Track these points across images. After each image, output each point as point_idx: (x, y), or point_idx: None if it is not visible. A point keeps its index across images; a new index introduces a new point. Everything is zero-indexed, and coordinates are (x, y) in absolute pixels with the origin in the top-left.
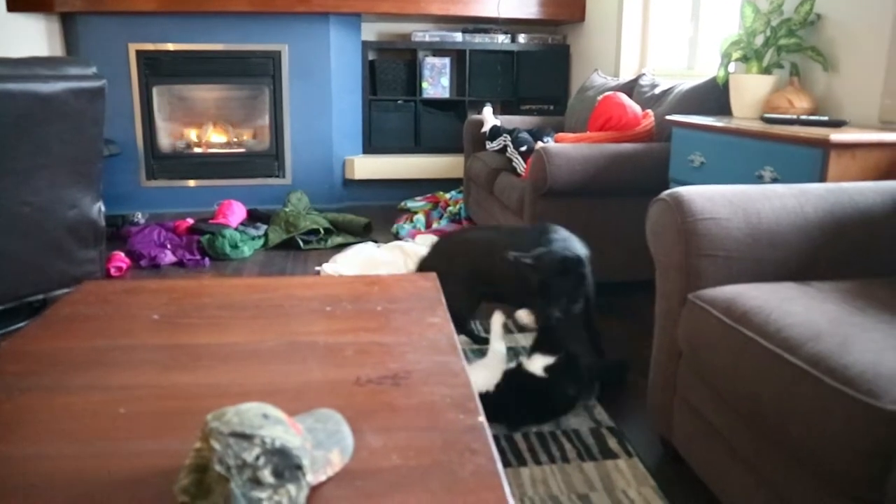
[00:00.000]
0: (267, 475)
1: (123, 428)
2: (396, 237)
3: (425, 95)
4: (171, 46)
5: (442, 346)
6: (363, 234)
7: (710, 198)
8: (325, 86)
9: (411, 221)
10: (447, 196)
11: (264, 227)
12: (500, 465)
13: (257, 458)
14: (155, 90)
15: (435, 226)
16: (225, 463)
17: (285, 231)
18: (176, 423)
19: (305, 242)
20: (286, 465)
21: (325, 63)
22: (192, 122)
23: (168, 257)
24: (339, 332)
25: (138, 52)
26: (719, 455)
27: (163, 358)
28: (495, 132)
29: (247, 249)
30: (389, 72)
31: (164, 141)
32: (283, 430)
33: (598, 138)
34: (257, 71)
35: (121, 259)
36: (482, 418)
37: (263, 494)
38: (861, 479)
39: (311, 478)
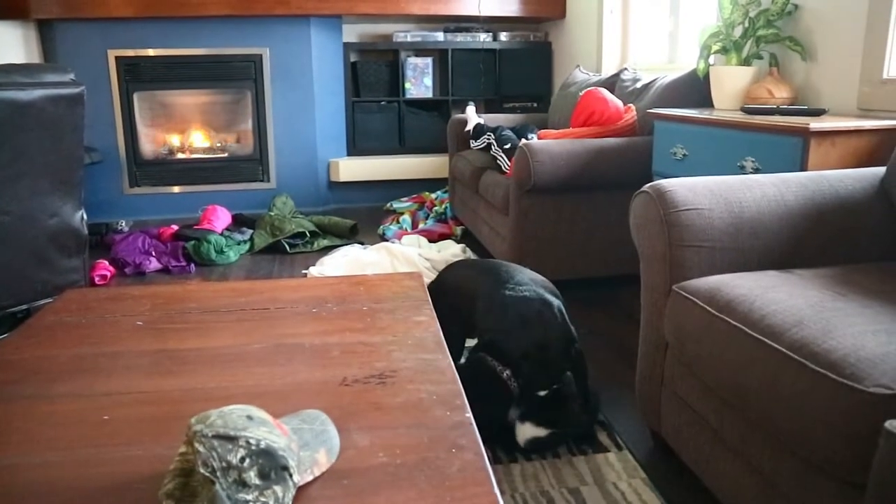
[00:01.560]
0: (252, 476)
1: (108, 434)
2: (383, 238)
3: (408, 96)
4: (150, 52)
5: (428, 344)
6: (349, 236)
7: (691, 189)
8: (308, 88)
9: (397, 222)
10: (433, 196)
11: (250, 231)
12: (487, 461)
13: (242, 459)
14: (136, 96)
15: (421, 226)
16: (209, 465)
17: (271, 235)
18: (161, 428)
19: (291, 246)
20: (272, 466)
21: (307, 65)
22: (174, 128)
23: (153, 264)
24: (325, 333)
25: (118, 59)
26: (708, 444)
27: (147, 364)
28: (479, 130)
29: (232, 254)
30: (372, 73)
31: (147, 147)
32: (267, 431)
33: (580, 134)
34: (239, 75)
35: (105, 267)
36: (469, 414)
37: (249, 496)
38: (846, 462)
39: (298, 478)
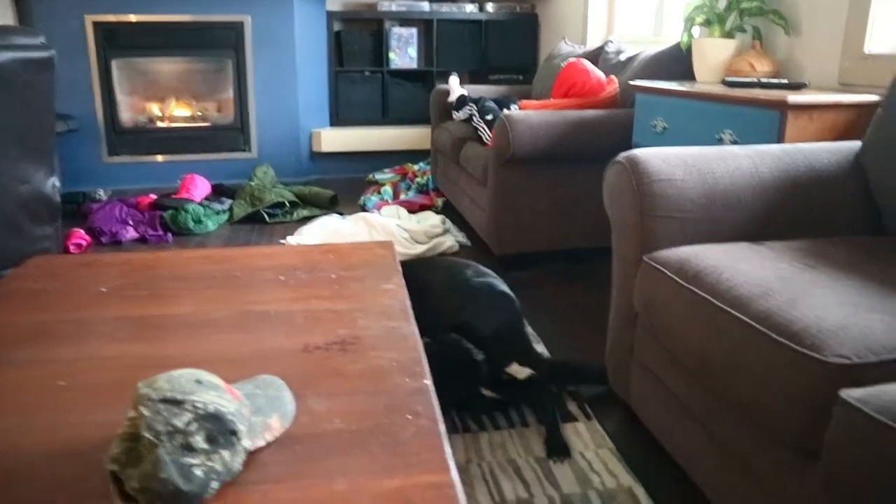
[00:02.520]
0: (199, 441)
1: (65, 400)
2: (363, 209)
3: (392, 66)
4: (129, 18)
5: (394, 311)
6: (329, 206)
7: (665, 159)
8: (290, 57)
9: (378, 193)
10: (415, 168)
11: (229, 201)
12: (442, 427)
13: (189, 423)
14: (114, 63)
15: (402, 197)
16: (153, 429)
17: (250, 205)
18: (116, 394)
19: (270, 216)
20: (220, 430)
21: (290, 34)
22: (153, 96)
23: (130, 233)
24: (291, 301)
25: (95, 24)
26: (673, 415)
27: (109, 330)
28: (461, 102)
29: (211, 224)
30: (356, 43)
31: (126, 116)
32: (217, 395)
33: (561, 105)
34: (220, 43)
35: (81, 236)
36: (428, 381)
37: (195, 460)
38: (803, 432)
39: (249, 443)
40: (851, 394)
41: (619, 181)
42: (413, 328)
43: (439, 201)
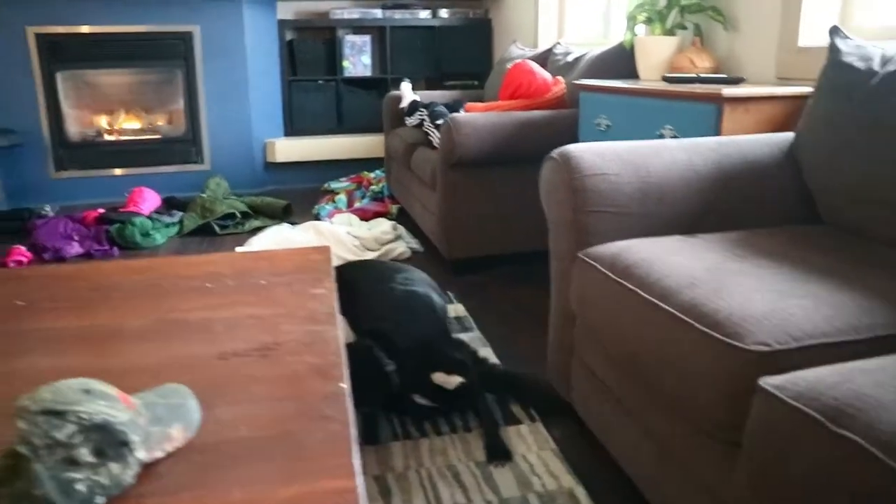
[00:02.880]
0: (85, 454)
1: None
2: (317, 219)
3: (346, 74)
4: (74, 29)
5: (319, 316)
6: (283, 216)
7: (599, 154)
8: (241, 67)
9: (333, 202)
10: (371, 175)
11: (180, 214)
12: (353, 431)
13: (72, 435)
14: (59, 76)
15: (357, 205)
16: (30, 443)
17: (201, 217)
18: (7, 409)
19: (222, 227)
20: (109, 442)
21: (240, 43)
22: (102, 109)
23: (74, 249)
24: (214, 308)
25: (38, 36)
26: (611, 412)
27: (13, 344)
28: (413, 107)
29: (159, 237)
30: (308, 51)
31: (73, 129)
32: (107, 405)
33: (507, 106)
34: (168, 53)
35: (21, 253)
36: (344, 384)
37: (79, 475)
38: (726, 423)
39: (144, 455)
40: (770, 381)
41: (553, 177)
42: (336, 332)
43: (394, 208)
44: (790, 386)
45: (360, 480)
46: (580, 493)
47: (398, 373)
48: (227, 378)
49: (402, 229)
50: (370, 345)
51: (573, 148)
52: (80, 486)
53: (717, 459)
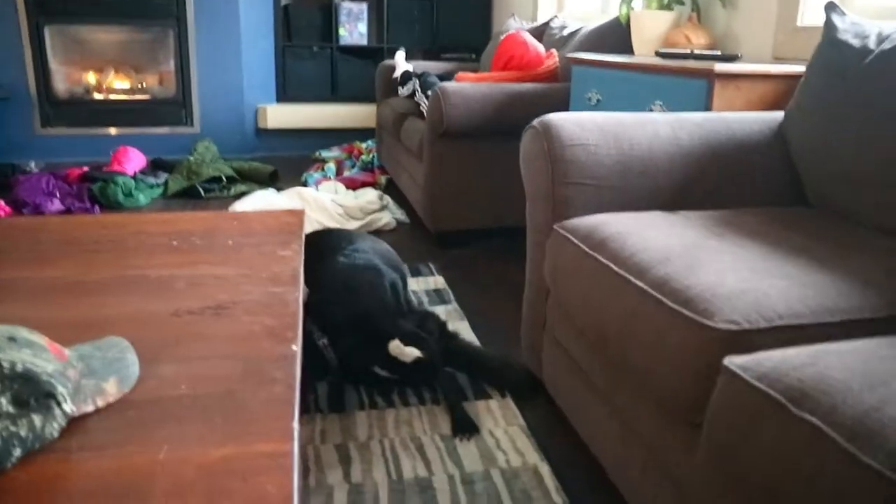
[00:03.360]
0: (3, 403)
1: None
2: (305, 186)
3: (342, 42)
4: None
5: (283, 278)
6: (269, 182)
7: (580, 124)
8: (235, 30)
9: (322, 170)
10: (363, 145)
11: (165, 175)
12: (297, 394)
13: None
14: (47, 30)
15: (346, 174)
16: None
17: (186, 179)
18: None
19: (207, 191)
20: (31, 392)
21: (234, 5)
22: (91, 66)
23: (55, 205)
24: (176, 266)
25: None
26: (579, 389)
27: None
28: (406, 77)
29: (142, 198)
30: (304, 17)
31: (61, 86)
32: (31, 354)
33: (499, 78)
34: (160, 12)
35: (0, 207)
36: (296, 347)
37: None
38: (691, 402)
39: (72, 408)
40: (735, 361)
41: (532, 146)
42: (297, 294)
43: (382, 179)
44: (755, 366)
45: (295, 446)
46: (544, 470)
47: (333, 347)
48: (176, 335)
49: (388, 199)
50: (307, 324)
51: (554, 117)
52: None
53: (680, 441)
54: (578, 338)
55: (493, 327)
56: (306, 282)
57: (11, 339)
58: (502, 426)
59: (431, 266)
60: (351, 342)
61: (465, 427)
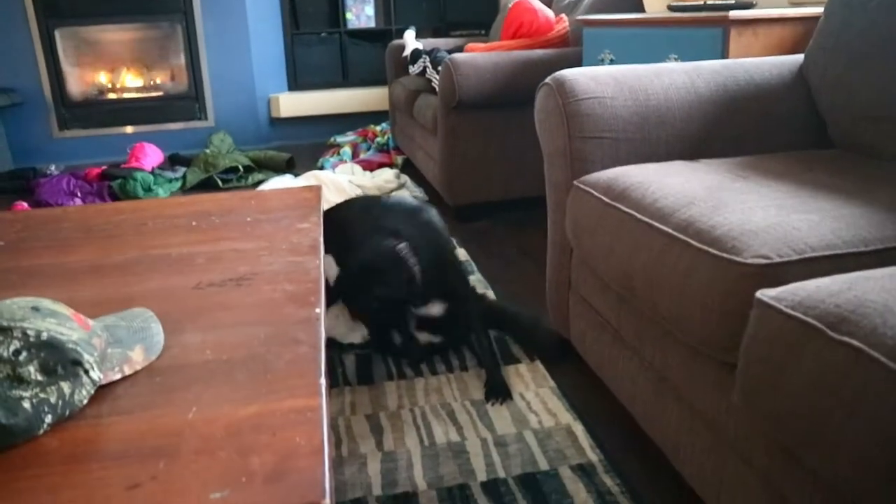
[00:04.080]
0: (32, 371)
1: None
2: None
3: (350, 26)
4: None
5: (302, 248)
6: (286, 170)
7: (594, 77)
8: (242, 21)
9: (338, 154)
10: (377, 128)
11: (183, 169)
12: (322, 354)
13: (17, 352)
14: (58, 33)
15: (362, 156)
16: None
17: (204, 171)
18: None
19: (224, 181)
20: (58, 360)
21: None
22: (103, 67)
23: (77, 205)
24: (196, 244)
25: None
26: (608, 345)
27: None
28: (416, 55)
29: (162, 192)
30: (311, 3)
31: (75, 88)
32: (56, 322)
33: (509, 46)
34: (166, 7)
35: (22, 208)
36: (319, 310)
37: (26, 393)
38: (722, 342)
39: (100, 375)
40: (767, 293)
41: (546, 103)
42: (318, 262)
43: (399, 159)
44: (789, 296)
45: (323, 402)
46: (578, 429)
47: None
48: (199, 306)
49: (405, 178)
50: (396, 244)
51: (567, 72)
52: (26, 404)
53: (714, 384)
54: (604, 292)
55: (518, 296)
56: (349, 243)
57: (35, 308)
58: (533, 389)
59: (453, 240)
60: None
61: (498, 392)
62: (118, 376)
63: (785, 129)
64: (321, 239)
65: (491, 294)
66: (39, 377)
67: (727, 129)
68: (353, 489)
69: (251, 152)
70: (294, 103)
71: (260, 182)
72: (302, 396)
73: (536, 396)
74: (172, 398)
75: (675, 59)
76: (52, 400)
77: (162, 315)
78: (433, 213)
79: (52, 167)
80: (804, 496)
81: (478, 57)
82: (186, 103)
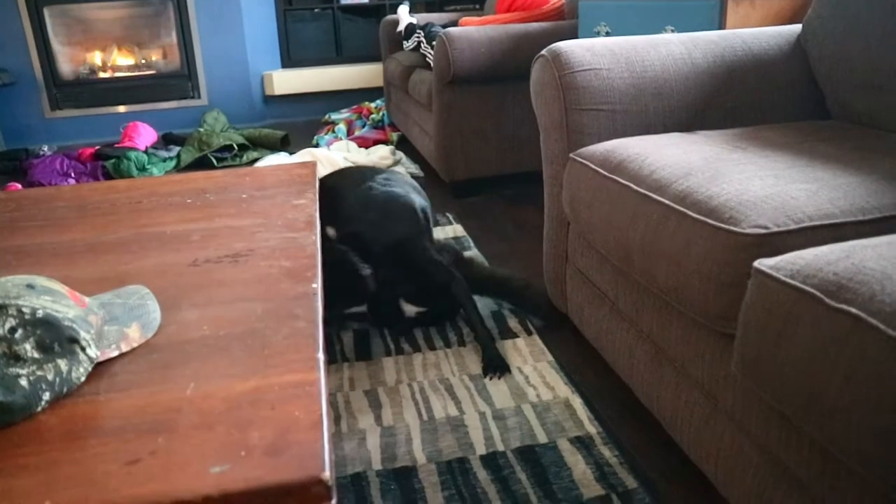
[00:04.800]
0: (28, 349)
1: None
2: (316, 147)
3: (343, 2)
4: None
5: (299, 224)
6: (280, 147)
7: (590, 49)
8: None
9: (333, 132)
10: (372, 105)
11: (177, 148)
12: (320, 329)
13: (13, 330)
14: (46, 11)
15: (357, 133)
16: None
17: (198, 150)
18: None
19: (219, 160)
20: (55, 337)
21: None
22: (94, 46)
23: (71, 185)
24: (191, 221)
25: None
26: (606, 318)
27: None
28: (410, 30)
29: (156, 171)
30: None
31: (66, 68)
32: (51, 300)
33: (504, 20)
34: None
35: (15, 189)
36: (316, 285)
37: (23, 370)
38: (720, 312)
39: (96, 352)
40: (765, 262)
41: (542, 75)
42: (314, 238)
43: (394, 136)
44: (786, 265)
45: (321, 376)
46: (576, 402)
47: (375, 276)
48: (195, 282)
49: (401, 154)
50: (345, 249)
51: (562, 43)
52: (24, 382)
53: (712, 354)
54: (602, 265)
55: (515, 269)
56: (336, 217)
57: (30, 286)
58: (531, 363)
59: (449, 216)
60: (393, 269)
61: (496, 367)
62: (115, 353)
63: (783, 99)
64: (317, 214)
65: (480, 258)
66: (36, 355)
67: (724, 101)
68: (353, 464)
69: (245, 130)
70: (288, 80)
71: (255, 160)
72: (300, 371)
73: (534, 370)
74: (170, 374)
75: (672, 31)
76: (50, 377)
77: (158, 292)
78: (399, 196)
79: (45, 148)
80: (802, 464)
81: (472, 31)
82: (179, 82)
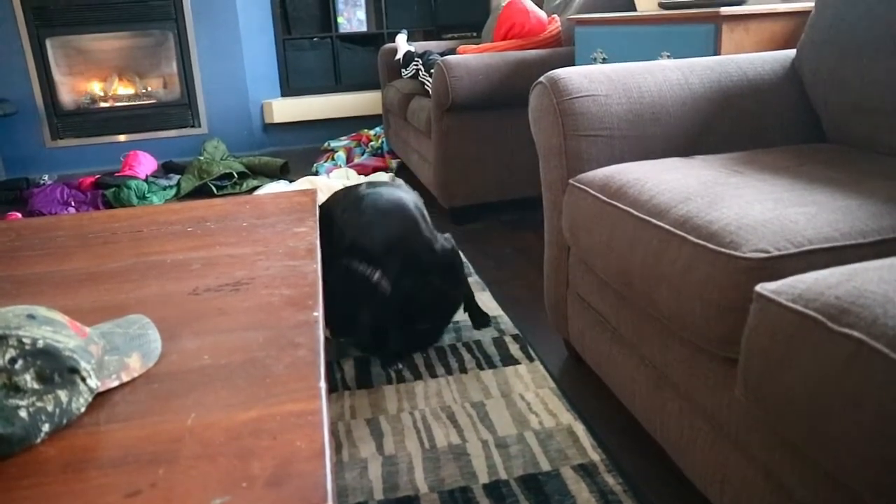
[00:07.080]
0: (28, 380)
1: None
2: (316, 175)
3: (342, 31)
4: None
5: (299, 252)
6: (280, 175)
7: (587, 76)
8: (233, 27)
9: (332, 159)
10: (371, 132)
11: (177, 177)
12: (321, 357)
13: (13, 360)
14: (48, 43)
15: (356, 161)
16: None
17: (198, 178)
18: None
19: (219, 188)
20: (55, 368)
21: (230, 2)
22: (95, 76)
23: (71, 214)
24: (192, 249)
25: (24, 1)
26: (606, 343)
27: None
28: (408, 58)
29: (156, 199)
30: (302, 8)
31: (67, 98)
32: (52, 330)
33: (501, 47)
34: (157, 15)
35: (16, 218)
36: (317, 313)
37: (22, 402)
38: (722, 337)
39: (97, 383)
40: (767, 286)
41: (540, 102)
42: (315, 265)
43: (393, 163)
44: (788, 289)
45: (323, 405)
46: (579, 428)
47: (387, 277)
48: (196, 311)
49: (400, 181)
50: (348, 261)
51: (560, 70)
52: (23, 413)
53: (715, 380)
54: (602, 291)
55: (515, 296)
56: (329, 238)
57: (31, 316)
58: (533, 389)
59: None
60: (397, 267)
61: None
62: (116, 383)
63: (779, 123)
64: (318, 242)
65: (487, 295)
66: (36, 385)
67: (721, 126)
68: (355, 493)
69: (245, 158)
70: (287, 109)
71: (254, 188)
72: (302, 400)
73: (536, 397)
74: (171, 404)
75: (668, 57)
76: (50, 408)
77: (158, 321)
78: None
79: (46, 177)
80: (807, 489)
81: (470, 58)
82: (179, 111)
